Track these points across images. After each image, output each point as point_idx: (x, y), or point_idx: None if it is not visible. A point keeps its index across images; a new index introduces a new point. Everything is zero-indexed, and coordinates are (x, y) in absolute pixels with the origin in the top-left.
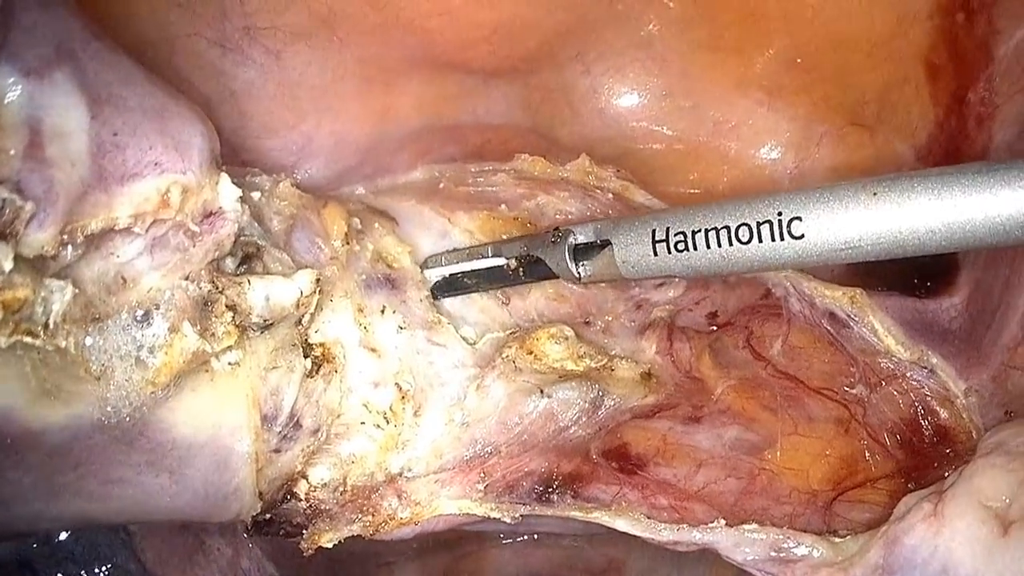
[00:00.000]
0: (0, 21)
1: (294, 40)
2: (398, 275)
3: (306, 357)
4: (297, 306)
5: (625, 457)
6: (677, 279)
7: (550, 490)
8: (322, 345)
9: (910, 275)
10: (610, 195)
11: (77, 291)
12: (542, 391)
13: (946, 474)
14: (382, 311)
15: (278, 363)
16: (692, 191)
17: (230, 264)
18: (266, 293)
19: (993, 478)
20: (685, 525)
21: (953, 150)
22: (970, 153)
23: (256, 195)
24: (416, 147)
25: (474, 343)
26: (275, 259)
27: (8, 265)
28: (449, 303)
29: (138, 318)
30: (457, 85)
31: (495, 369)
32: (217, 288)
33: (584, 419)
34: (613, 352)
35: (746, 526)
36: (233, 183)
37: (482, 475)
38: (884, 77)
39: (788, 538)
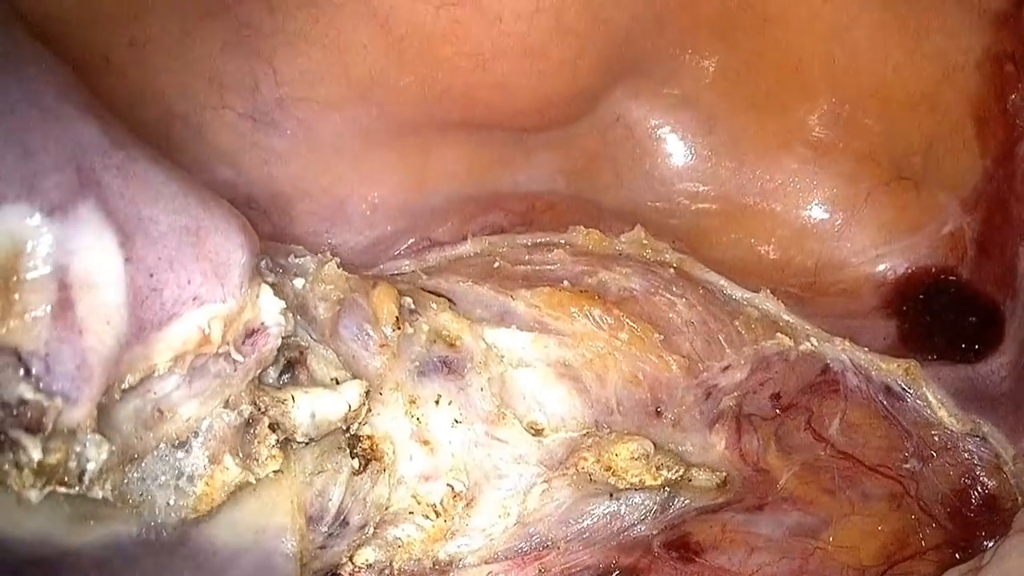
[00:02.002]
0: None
1: (328, 110)
2: (458, 356)
3: (352, 455)
4: (345, 420)
5: (685, 547)
6: (742, 362)
7: None
8: (370, 439)
9: (958, 340)
10: (671, 270)
11: (113, 447)
12: (611, 495)
13: (988, 544)
14: (436, 401)
15: (324, 466)
16: (742, 254)
17: (272, 374)
18: (311, 410)
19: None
20: None
21: (1000, 204)
22: (1018, 207)
23: (300, 282)
24: (459, 216)
25: (542, 435)
26: (320, 358)
27: (37, 455)
28: (526, 381)
29: (176, 446)
30: (498, 150)
31: (565, 477)
32: (259, 409)
33: (651, 520)
34: (690, 461)
35: None
36: (274, 291)
37: (539, 569)
38: (930, 129)
39: None
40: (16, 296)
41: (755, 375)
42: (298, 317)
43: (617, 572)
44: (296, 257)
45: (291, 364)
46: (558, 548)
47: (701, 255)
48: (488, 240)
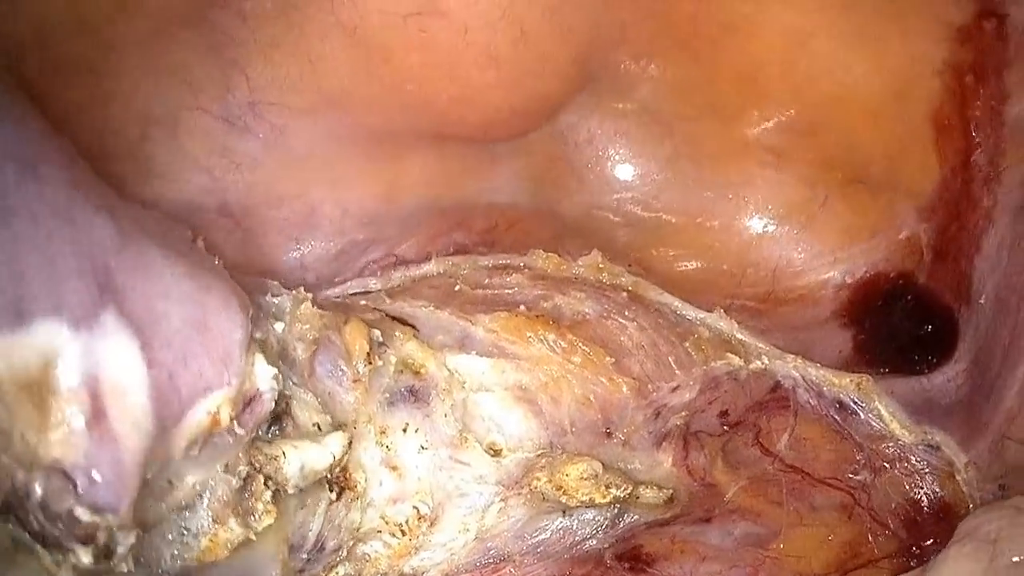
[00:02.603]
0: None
1: (300, 116)
2: (423, 385)
3: (329, 487)
4: (330, 469)
5: (636, 558)
6: (691, 382)
7: None
8: (344, 470)
9: (912, 349)
10: (624, 294)
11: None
12: (564, 512)
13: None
14: (404, 429)
15: (306, 502)
16: (700, 263)
17: (262, 427)
18: (300, 463)
19: (961, 566)
20: None
21: (956, 213)
22: (973, 216)
23: (279, 326)
24: (426, 231)
25: (500, 456)
26: (303, 404)
27: (87, 560)
28: (485, 404)
29: (182, 508)
30: (465, 160)
31: (520, 496)
32: (255, 467)
33: (602, 534)
34: (638, 479)
35: None
36: (262, 348)
37: None
38: (889, 137)
39: None
40: (52, 409)
41: (703, 395)
42: (281, 364)
43: None
44: (272, 296)
45: (278, 416)
46: (514, 561)
47: (659, 264)
48: (451, 261)
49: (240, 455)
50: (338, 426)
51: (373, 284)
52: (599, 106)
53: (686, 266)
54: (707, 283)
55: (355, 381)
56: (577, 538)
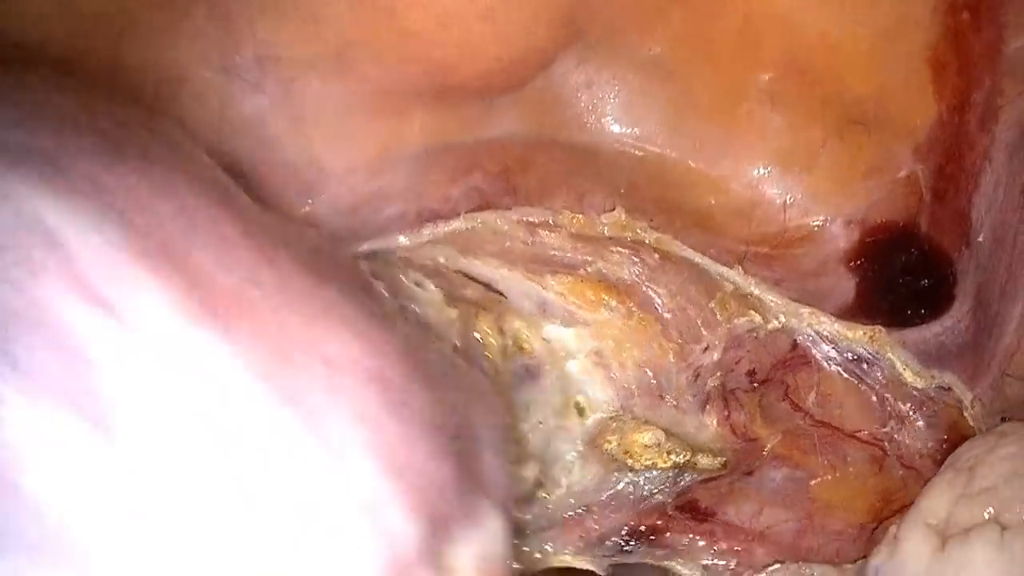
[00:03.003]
0: None
1: (306, 71)
2: (534, 361)
3: None
4: None
5: (696, 509)
6: (717, 341)
7: (631, 543)
8: None
9: (912, 299)
10: (655, 255)
11: None
12: (632, 470)
13: None
14: (527, 408)
15: None
16: (710, 202)
17: None
18: None
19: (937, 496)
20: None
21: (954, 152)
22: (971, 155)
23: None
24: (437, 177)
25: (583, 416)
26: None
27: None
28: (573, 370)
29: None
30: (465, 110)
31: (595, 453)
32: None
33: (665, 490)
34: (692, 441)
35: (769, 567)
36: None
37: (580, 534)
38: (886, 76)
39: (804, 567)
40: None
41: (728, 353)
42: None
43: (639, 532)
44: (415, 305)
45: None
46: (593, 513)
47: (671, 206)
48: (479, 218)
49: None
50: None
51: (402, 240)
52: (595, 55)
53: (697, 206)
54: (720, 225)
55: (496, 374)
56: (643, 493)
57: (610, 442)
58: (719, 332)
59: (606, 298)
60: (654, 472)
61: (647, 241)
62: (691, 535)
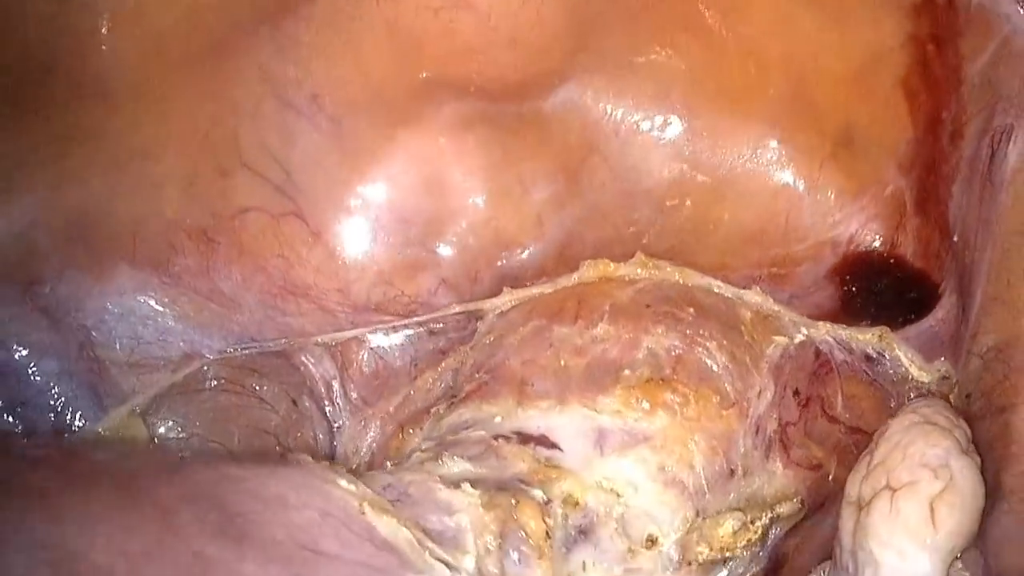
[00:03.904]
0: None
1: (352, 109)
2: (587, 520)
3: None
4: None
5: (780, 565)
6: (766, 380)
7: None
8: None
9: (897, 308)
10: (691, 310)
11: None
12: (725, 562)
13: None
14: (584, 567)
15: None
16: (721, 231)
17: None
18: None
19: (852, 478)
20: None
21: (931, 164)
22: (946, 167)
23: (470, 561)
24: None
25: (657, 545)
26: None
27: None
28: (639, 504)
29: None
30: (499, 139)
31: (691, 571)
32: None
33: (759, 560)
34: (767, 498)
35: None
36: None
37: None
38: (869, 103)
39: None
40: None
41: (779, 386)
42: None
43: None
44: (448, 516)
45: None
46: None
47: (687, 237)
48: (522, 294)
49: None
50: None
51: (454, 308)
52: (611, 85)
53: (714, 240)
54: (736, 252)
55: (540, 557)
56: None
57: (701, 553)
58: (763, 369)
59: (660, 395)
60: (746, 551)
61: (669, 277)
62: None
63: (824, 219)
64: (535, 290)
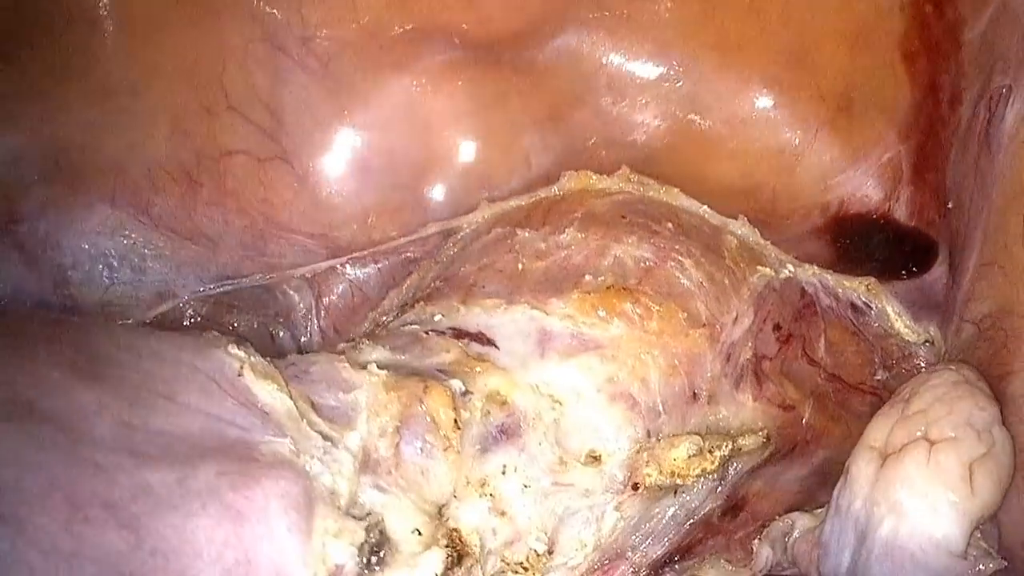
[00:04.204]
0: None
1: (344, 47)
2: (511, 419)
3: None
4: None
5: (739, 508)
6: (745, 307)
7: (666, 566)
8: (456, 531)
9: (890, 265)
10: (669, 225)
11: None
12: (675, 492)
13: None
14: (503, 471)
15: None
16: (707, 182)
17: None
18: None
19: (879, 424)
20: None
21: (930, 130)
22: (944, 132)
23: (355, 438)
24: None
25: (600, 463)
26: (399, 512)
27: None
28: (580, 414)
29: None
30: (491, 85)
31: (634, 497)
32: None
33: (712, 497)
34: (731, 429)
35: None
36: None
37: None
38: (867, 66)
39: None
40: None
41: (758, 315)
42: (364, 479)
43: (678, 553)
44: (344, 393)
45: (376, 546)
46: (630, 551)
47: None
48: (500, 207)
49: None
50: (437, 510)
51: (431, 229)
52: (609, 37)
53: (697, 186)
54: (718, 204)
55: (446, 449)
56: (691, 510)
57: (649, 475)
58: (744, 295)
59: (619, 304)
60: (700, 482)
61: (653, 195)
62: (717, 537)
63: (817, 183)
64: (512, 202)
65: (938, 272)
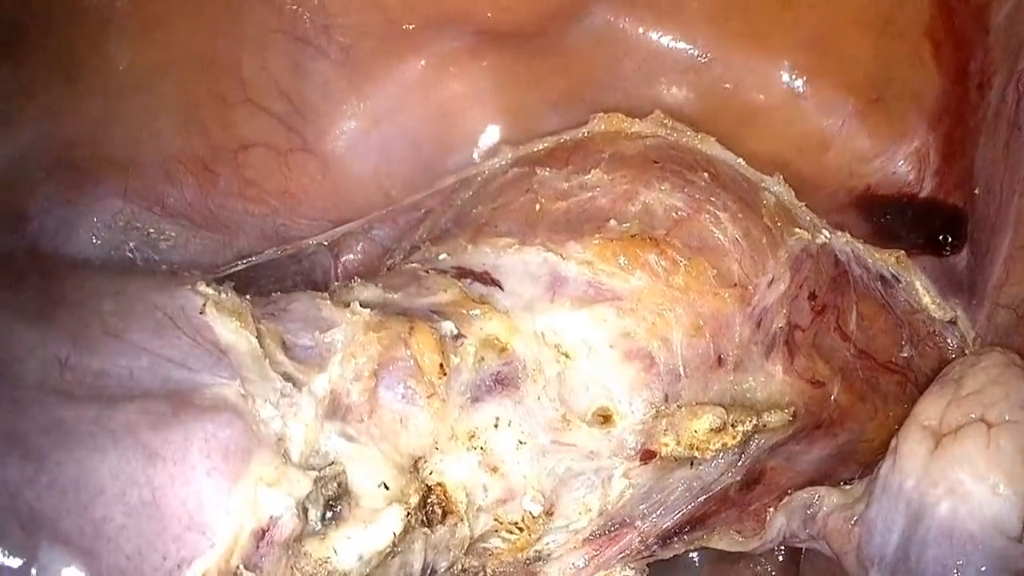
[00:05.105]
0: None
1: (363, 37)
2: (509, 367)
3: (425, 506)
4: (394, 543)
5: (756, 482)
6: (782, 270)
7: (675, 536)
8: (441, 486)
9: (935, 235)
10: (705, 175)
11: None
12: (692, 463)
13: None
14: (496, 424)
15: (397, 550)
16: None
17: (313, 517)
18: (358, 552)
19: (931, 403)
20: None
21: (959, 117)
22: (973, 119)
23: (321, 382)
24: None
25: (610, 424)
26: (365, 464)
27: None
28: (589, 370)
29: None
30: (514, 68)
31: (647, 465)
32: None
33: (731, 472)
34: (757, 402)
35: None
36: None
37: (619, 549)
38: (895, 54)
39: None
40: None
41: (794, 280)
42: (326, 425)
43: (688, 526)
44: (320, 332)
45: (335, 499)
46: (639, 520)
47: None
48: (522, 149)
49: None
50: (413, 463)
51: (449, 180)
52: (635, 18)
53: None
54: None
55: (430, 396)
56: (707, 483)
57: (666, 444)
58: (781, 257)
59: (642, 254)
60: (718, 456)
61: (687, 143)
62: (735, 508)
63: (843, 170)
64: (537, 145)
65: (963, 253)
